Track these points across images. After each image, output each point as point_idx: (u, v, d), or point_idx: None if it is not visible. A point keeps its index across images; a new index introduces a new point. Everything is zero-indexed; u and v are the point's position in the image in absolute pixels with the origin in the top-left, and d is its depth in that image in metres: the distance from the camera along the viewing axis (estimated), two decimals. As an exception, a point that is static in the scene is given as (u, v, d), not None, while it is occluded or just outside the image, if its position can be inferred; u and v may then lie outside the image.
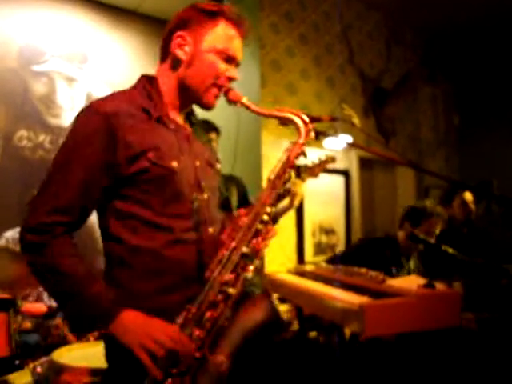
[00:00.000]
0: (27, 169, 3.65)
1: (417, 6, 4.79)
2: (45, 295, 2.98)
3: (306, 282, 2.46)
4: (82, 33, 4.03)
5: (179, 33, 1.30)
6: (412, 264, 3.06)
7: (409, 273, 3.00)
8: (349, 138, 3.34)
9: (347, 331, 2.51)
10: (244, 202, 2.95)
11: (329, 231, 4.40)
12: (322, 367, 2.54)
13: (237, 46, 1.34)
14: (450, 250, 2.73)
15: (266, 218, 1.25)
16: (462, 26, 5.24)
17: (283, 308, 2.78)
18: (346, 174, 4.54)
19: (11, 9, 3.69)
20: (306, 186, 2.70)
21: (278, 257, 3.90)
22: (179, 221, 1.25)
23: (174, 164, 1.25)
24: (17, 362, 2.20)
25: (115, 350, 1.22)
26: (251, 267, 1.22)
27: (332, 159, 2.78)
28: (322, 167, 2.75)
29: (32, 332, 2.65)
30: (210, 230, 1.31)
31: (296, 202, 2.61)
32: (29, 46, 3.76)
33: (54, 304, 2.96)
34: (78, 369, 1.87)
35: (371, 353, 2.36)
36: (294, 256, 4.07)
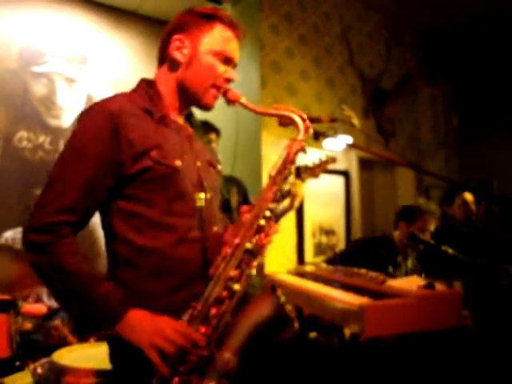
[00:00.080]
0: (27, 170, 3.65)
1: (416, 6, 4.80)
2: (44, 296, 2.98)
3: (306, 282, 2.47)
4: (82, 34, 4.04)
5: (177, 36, 1.32)
6: (410, 263, 3.07)
7: (406, 272, 3.02)
8: (349, 139, 3.35)
9: (347, 332, 2.51)
10: (244, 203, 2.95)
11: (329, 232, 4.40)
12: (322, 368, 2.54)
13: (234, 48, 1.36)
14: (450, 251, 2.73)
15: (268, 214, 1.26)
16: (462, 27, 5.25)
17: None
18: (345, 174, 4.54)
19: (11, 10, 3.69)
20: (306, 186, 2.70)
21: (278, 257, 3.90)
22: (183, 220, 1.26)
23: (178, 163, 1.26)
24: (17, 363, 2.20)
25: (120, 351, 1.23)
26: (255, 263, 1.23)
27: (332, 160, 2.79)
28: (323, 168, 2.75)
29: (32, 333, 2.65)
30: (214, 228, 1.33)
31: (296, 203, 2.61)
32: (29, 46, 3.76)
33: (53, 305, 2.96)
34: (81, 370, 1.86)
35: (371, 353, 2.36)
36: (294, 257, 4.08)
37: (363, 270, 2.36)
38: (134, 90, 1.36)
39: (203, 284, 1.22)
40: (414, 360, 2.31)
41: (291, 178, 2.75)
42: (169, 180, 1.24)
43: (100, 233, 1.33)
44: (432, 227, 3.01)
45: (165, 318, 1.16)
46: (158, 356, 1.11)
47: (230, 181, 2.91)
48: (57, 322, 2.61)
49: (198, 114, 1.52)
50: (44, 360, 2.12)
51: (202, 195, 1.31)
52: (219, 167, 1.49)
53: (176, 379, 1.13)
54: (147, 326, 1.15)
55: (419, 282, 2.08)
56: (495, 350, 2.48)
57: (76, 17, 4.01)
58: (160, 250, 1.23)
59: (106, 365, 1.87)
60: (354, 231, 4.58)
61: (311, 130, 1.35)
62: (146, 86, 1.36)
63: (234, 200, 2.96)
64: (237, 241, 1.24)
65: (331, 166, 2.83)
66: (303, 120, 1.33)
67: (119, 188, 1.23)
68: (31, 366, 2.12)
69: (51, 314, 2.84)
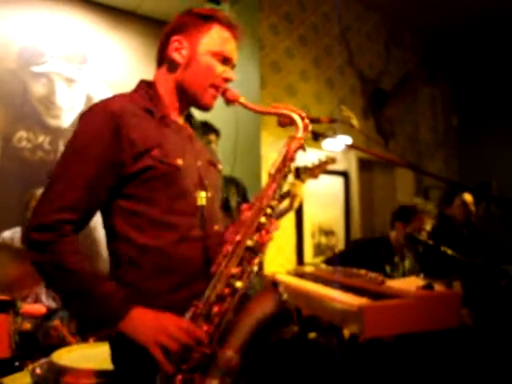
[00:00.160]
0: (27, 170, 3.65)
1: (416, 7, 4.80)
2: (43, 296, 2.98)
3: (305, 283, 2.47)
4: (82, 34, 4.04)
5: (176, 37, 1.33)
6: (407, 264, 3.08)
7: (404, 272, 3.03)
8: (348, 140, 3.36)
9: (346, 332, 2.51)
10: (244, 203, 2.95)
11: (328, 232, 4.40)
12: (322, 368, 2.54)
13: (232, 48, 1.38)
14: (450, 251, 2.73)
15: (269, 211, 1.27)
16: (461, 28, 5.25)
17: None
18: (345, 175, 4.54)
19: (10, 10, 3.69)
20: (305, 187, 2.70)
21: (278, 258, 3.90)
22: (185, 218, 1.27)
23: (179, 161, 1.27)
24: (16, 363, 2.20)
25: (122, 351, 1.23)
26: (256, 260, 1.23)
27: (332, 160, 2.79)
28: (322, 168, 2.75)
29: (31, 333, 2.65)
30: (216, 227, 1.34)
31: (296, 204, 2.61)
32: (28, 47, 3.76)
33: (52, 305, 2.96)
34: (80, 370, 1.86)
35: (370, 354, 2.36)
36: (293, 257, 4.07)
37: (362, 271, 2.36)
38: (134, 91, 1.37)
39: (205, 283, 1.22)
40: (414, 360, 2.31)
41: (291, 179, 2.76)
42: (170, 179, 1.25)
43: (100, 233, 1.34)
44: (428, 227, 3.03)
45: (168, 316, 1.16)
46: (161, 353, 1.12)
47: (230, 181, 2.91)
48: (56, 323, 2.61)
49: (198, 114, 1.52)
50: (43, 360, 2.11)
51: (203, 194, 1.32)
52: (220, 166, 1.50)
53: (179, 377, 1.13)
54: (150, 324, 1.15)
55: (418, 283, 2.09)
56: (495, 350, 2.48)
57: (75, 17, 4.00)
58: (162, 248, 1.24)
59: (105, 365, 1.87)
60: (354, 232, 4.58)
61: (310, 128, 1.35)
62: (146, 86, 1.37)
63: (234, 200, 2.96)
64: (238, 238, 1.24)
65: (330, 167, 2.83)
66: (302, 118, 1.33)
67: (120, 187, 1.24)
68: (30, 367, 2.11)
69: (50, 314, 2.84)
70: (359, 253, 3.00)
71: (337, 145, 3.59)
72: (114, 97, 1.31)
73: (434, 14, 4.91)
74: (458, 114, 5.92)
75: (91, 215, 1.25)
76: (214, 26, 1.34)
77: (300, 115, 1.34)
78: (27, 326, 2.65)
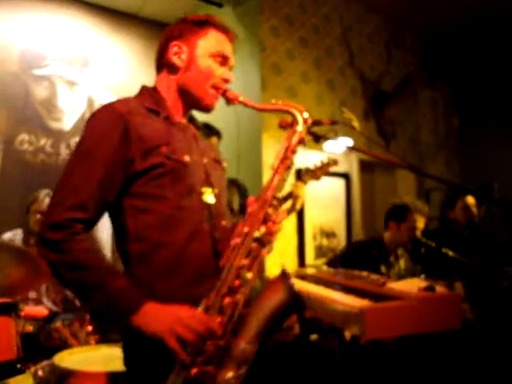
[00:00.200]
0: (28, 172, 3.66)
1: (417, 9, 4.80)
2: (44, 299, 2.98)
3: (306, 285, 2.46)
4: (83, 37, 4.05)
5: (175, 42, 1.38)
6: (402, 264, 3.09)
7: (399, 272, 3.03)
8: (349, 141, 3.35)
9: (348, 334, 2.51)
10: (245, 205, 2.95)
11: (329, 234, 4.40)
12: (323, 370, 2.54)
13: (229, 49, 1.42)
14: (451, 253, 2.73)
15: (275, 202, 1.30)
16: (462, 30, 5.25)
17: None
18: (346, 177, 4.54)
19: (12, 13, 3.70)
20: (306, 189, 2.71)
21: (279, 260, 3.90)
22: (193, 214, 1.30)
23: (187, 158, 1.31)
24: (18, 365, 2.20)
25: (135, 353, 1.25)
26: (265, 251, 1.25)
27: (334, 162, 2.79)
28: (324, 170, 2.76)
29: (33, 335, 2.65)
30: (223, 222, 1.37)
31: (298, 205, 2.62)
32: (30, 49, 3.77)
33: (53, 307, 2.96)
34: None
35: (372, 356, 2.36)
36: (294, 259, 4.07)
37: (364, 273, 2.36)
38: (138, 95, 1.41)
39: (215, 277, 1.24)
40: (415, 362, 2.31)
41: (293, 180, 2.76)
42: (178, 175, 1.28)
43: (102, 233, 1.35)
44: (421, 225, 3.03)
45: (182, 307, 1.18)
46: (178, 343, 1.12)
47: (231, 183, 2.91)
48: (58, 325, 2.61)
49: (199, 116, 1.54)
50: (45, 362, 2.12)
51: (210, 190, 1.36)
52: (224, 164, 1.54)
53: (194, 369, 1.14)
54: (165, 315, 1.16)
55: (420, 285, 2.08)
56: (497, 352, 2.47)
57: (77, 20, 4.02)
58: (172, 244, 1.26)
59: (107, 367, 1.88)
60: (355, 234, 4.58)
61: (310, 122, 1.38)
62: (149, 90, 1.42)
63: (236, 202, 2.97)
64: (246, 230, 1.26)
65: (332, 169, 2.83)
66: (300, 112, 1.36)
67: (129, 186, 1.26)
68: (32, 369, 2.11)
69: (52, 316, 2.84)
70: (353, 255, 3.01)
71: (338, 146, 3.59)
72: (120, 99, 1.35)
73: (435, 16, 4.92)
74: (459, 115, 5.91)
75: (101, 214, 1.28)
76: (210, 31, 1.39)
77: (298, 109, 1.36)
78: (29, 328, 2.65)
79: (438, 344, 2.26)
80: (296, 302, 1.22)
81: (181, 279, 1.26)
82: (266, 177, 1.31)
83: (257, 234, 1.25)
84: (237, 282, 1.21)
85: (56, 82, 3.85)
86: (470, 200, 3.47)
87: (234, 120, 3.63)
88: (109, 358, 2.07)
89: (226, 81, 1.40)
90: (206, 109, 1.42)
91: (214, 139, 2.81)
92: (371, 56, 4.99)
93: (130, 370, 1.29)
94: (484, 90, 5.62)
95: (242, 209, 2.97)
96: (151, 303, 1.18)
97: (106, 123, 1.26)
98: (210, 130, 2.76)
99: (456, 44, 5.61)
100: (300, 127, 1.35)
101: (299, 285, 2.53)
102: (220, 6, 4.15)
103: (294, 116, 1.36)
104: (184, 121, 1.44)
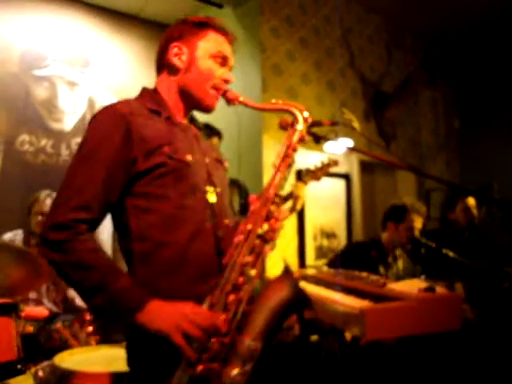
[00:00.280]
0: (29, 173, 3.66)
1: (417, 9, 4.80)
2: (45, 299, 2.98)
3: (307, 285, 2.47)
4: (84, 37, 4.05)
5: (175, 43, 1.40)
6: (401, 264, 3.09)
7: (398, 273, 3.04)
8: (349, 142, 3.36)
9: (348, 335, 2.51)
10: (246, 205, 2.96)
11: (330, 235, 4.40)
12: (323, 371, 2.54)
13: (228, 50, 1.43)
14: (451, 254, 2.73)
15: (277, 199, 1.31)
16: (462, 30, 5.25)
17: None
18: (346, 177, 4.54)
19: (13, 13, 3.71)
20: (307, 189, 2.71)
21: (279, 261, 3.90)
22: (196, 213, 1.31)
23: (189, 157, 1.32)
24: (19, 366, 2.20)
25: (139, 352, 1.25)
26: (268, 249, 1.26)
27: (334, 163, 2.80)
28: (325, 171, 2.76)
29: (34, 336, 2.65)
30: (226, 221, 1.39)
31: (298, 206, 2.62)
32: (30, 50, 3.77)
33: (54, 308, 2.96)
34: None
35: (372, 357, 2.36)
36: (295, 260, 4.07)
37: (364, 273, 2.36)
38: (139, 97, 1.43)
39: (219, 275, 1.24)
40: (415, 363, 2.31)
41: (293, 181, 2.77)
42: (180, 174, 1.29)
43: (103, 234, 1.35)
44: (419, 225, 3.04)
45: (187, 304, 1.19)
46: (183, 339, 1.13)
47: (232, 183, 2.91)
48: (58, 325, 2.61)
49: (199, 117, 1.55)
50: (45, 363, 2.12)
51: (212, 189, 1.37)
52: (226, 164, 1.55)
53: (200, 367, 1.14)
54: (170, 312, 1.17)
55: (420, 285, 2.08)
56: (497, 352, 2.47)
57: (77, 20, 4.02)
58: (175, 244, 1.27)
59: (107, 368, 1.88)
60: (356, 234, 4.58)
61: (310, 120, 1.39)
62: (149, 92, 1.43)
63: (236, 202, 2.97)
64: (249, 227, 1.27)
65: (332, 169, 2.83)
66: (300, 111, 1.37)
67: (132, 186, 1.27)
68: (33, 369, 2.12)
69: (52, 317, 2.85)
70: (351, 256, 3.01)
71: (338, 147, 3.59)
72: (121, 101, 1.36)
73: (435, 17, 4.92)
74: (459, 115, 5.91)
75: (105, 214, 1.28)
76: (209, 32, 1.41)
77: (299, 108, 1.37)
78: (29, 328, 2.65)
79: (439, 345, 2.26)
80: (300, 298, 1.22)
81: (183, 278, 1.26)
82: (267, 177, 1.32)
83: (260, 230, 1.26)
84: (241, 279, 1.21)
85: (56, 82, 3.86)
86: (471, 201, 3.47)
87: (234, 120, 3.64)
88: (109, 358, 2.07)
89: (226, 81, 1.41)
90: (207, 109, 1.43)
91: (214, 140, 2.81)
92: (371, 57, 5.00)
93: (133, 369, 1.29)
94: (484, 90, 5.62)
95: (243, 209, 2.97)
96: (155, 301, 1.18)
97: (108, 124, 1.27)
98: (210, 131, 2.77)
99: (456, 44, 5.62)
100: (300, 126, 1.36)
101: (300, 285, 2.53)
102: (220, 6, 4.15)
103: (294, 115, 1.37)
104: (185, 121, 1.45)
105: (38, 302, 2.96)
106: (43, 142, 3.76)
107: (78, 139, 3.88)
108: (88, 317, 2.59)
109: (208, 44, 1.40)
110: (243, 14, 4.12)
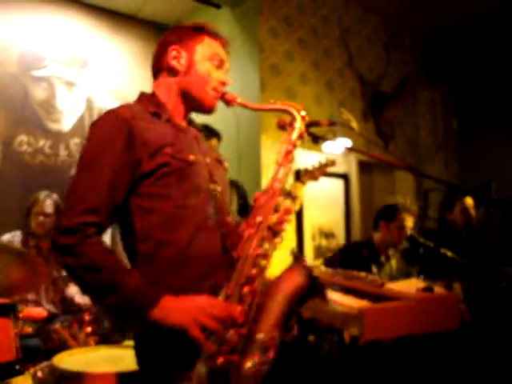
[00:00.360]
0: (28, 173, 3.66)
1: (415, 10, 4.81)
2: (43, 300, 2.98)
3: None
4: (82, 38, 4.05)
5: (173, 47, 1.43)
6: (394, 263, 3.10)
7: (391, 272, 3.05)
8: (348, 142, 3.36)
9: (347, 335, 2.51)
10: (245, 206, 2.96)
11: (328, 235, 4.40)
12: (322, 371, 2.55)
13: (223, 53, 1.47)
14: (449, 253, 2.74)
15: (283, 192, 1.35)
16: (461, 30, 5.26)
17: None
18: (345, 177, 4.55)
19: (11, 14, 3.71)
20: (305, 189, 2.71)
21: (278, 261, 3.90)
22: (198, 212, 1.32)
23: (191, 157, 1.34)
24: (17, 366, 2.20)
25: (148, 351, 1.26)
26: (277, 240, 1.30)
27: (332, 163, 2.80)
28: (322, 170, 2.76)
29: (32, 337, 2.65)
30: (228, 218, 1.41)
31: (296, 206, 2.62)
32: (29, 51, 3.77)
33: (52, 309, 2.96)
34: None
35: (370, 356, 2.37)
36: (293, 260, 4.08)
37: (362, 273, 2.37)
38: (137, 101, 1.45)
39: (224, 274, 1.26)
40: (414, 363, 2.31)
41: (291, 181, 2.77)
42: (183, 174, 1.31)
43: (105, 237, 1.35)
44: (410, 223, 3.05)
45: (201, 297, 1.20)
46: (202, 333, 1.13)
47: (230, 184, 2.91)
48: (57, 326, 2.61)
49: (199, 118, 1.57)
50: (44, 364, 2.12)
51: (215, 188, 1.39)
52: (226, 164, 1.59)
53: (220, 359, 1.14)
54: (186, 305, 1.18)
55: (418, 285, 2.09)
56: (495, 351, 2.48)
57: (76, 21, 4.02)
58: (175, 243, 1.28)
59: (106, 368, 1.88)
60: (354, 234, 4.59)
61: (308, 119, 1.43)
62: (147, 96, 1.46)
63: (235, 203, 2.97)
64: (259, 219, 1.29)
65: (331, 169, 2.84)
66: (298, 110, 1.42)
67: (137, 187, 1.29)
68: (31, 370, 2.12)
69: (51, 317, 2.85)
70: (344, 256, 3.02)
71: (337, 147, 3.59)
72: (123, 105, 1.39)
73: (433, 17, 4.92)
74: (457, 116, 5.92)
75: (112, 217, 1.29)
76: (204, 37, 1.45)
77: (296, 108, 1.42)
78: (28, 329, 2.66)
79: (437, 344, 2.27)
80: (314, 283, 1.24)
81: (187, 276, 1.27)
82: (266, 176, 1.33)
83: (270, 222, 1.29)
84: (254, 271, 1.23)
85: (55, 83, 3.86)
86: (469, 202, 3.47)
87: (233, 121, 3.64)
88: (108, 358, 2.07)
89: (224, 84, 1.45)
90: (208, 111, 1.46)
91: (213, 141, 2.81)
92: (370, 57, 5.00)
93: (143, 368, 1.30)
94: (482, 91, 5.63)
95: (242, 209, 2.97)
96: (168, 296, 1.19)
97: (111, 129, 1.28)
98: (209, 132, 2.77)
99: (454, 45, 5.62)
100: (299, 123, 1.40)
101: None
102: (218, 7, 4.16)
103: (291, 114, 1.41)
104: (184, 123, 1.47)
105: (37, 303, 2.96)
106: (41, 142, 3.76)
107: (77, 140, 3.88)
108: (87, 317, 2.60)
109: (204, 48, 1.43)
110: (241, 14, 4.12)
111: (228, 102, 1.44)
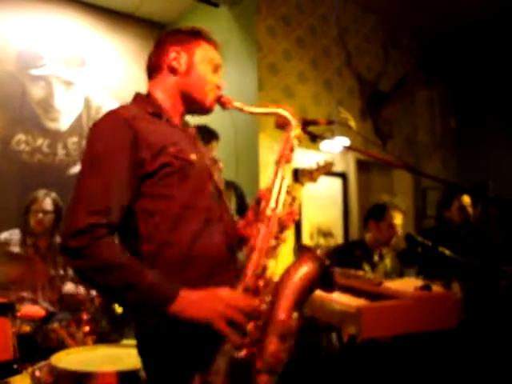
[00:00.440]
0: (26, 172, 3.66)
1: (413, 9, 4.81)
2: (41, 299, 2.98)
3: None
4: (80, 37, 4.05)
5: (173, 48, 1.44)
6: (388, 263, 3.11)
7: (386, 272, 3.06)
8: (346, 141, 3.36)
9: (345, 333, 2.52)
10: (242, 206, 2.96)
11: (327, 234, 4.40)
12: (320, 369, 2.55)
13: (219, 59, 1.50)
14: (448, 252, 2.74)
15: (288, 188, 1.41)
16: (459, 30, 5.26)
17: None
18: (343, 176, 4.55)
19: (9, 13, 3.70)
20: (303, 190, 2.71)
21: (276, 260, 3.90)
22: (201, 212, 1.33)
23: (193, 157, 1.35)
24: (15, 366, 2.20)
25: (156, 351, 1.26)
26: (286, 232, 1.35)
27: (331, 165, 2.80)
28: (321, 172, 2.76)
29: (30, 336, 2.65)
30: (230, 218, 1.44)
31: (295, 207, 2.62)
32: (27, 50, 3.77)
33: (50, 308, 2.96)
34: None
35: (368, 355, 2.37)
36: (291, 259, 4.08)
37: (360, 272, 2.37)
38: (133, 102, 1.45)
39: (229, 271, 1.30)
40: (411, 361, 2.31)
41: (290, 182, 2.77)
42: (185, 173, 1.32)
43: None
44: (399, 221, 3.07)
45: (221, 289, 1.21)
46: (226, 325, 1.14)
47: (228, 185, 2.91)
48: (55, 325, 2.61)
49: (198, 119, 1.58)
50: (42, 363, 2.12)
51: (215, 187, 1.42)
52: (220, 165, 1.66)
53: (244, 351, 1.16)
54: (207, 298, 1.18)
55: (416, 284, 2.09)
56: (493, 350, 2.48)
57: (74, 20, 4.02)
58: (179, 242, 1.28)
59: (104, 367, 1.88)
60: (352, 233, 4.59)
61: (302, 119, 1.49)
62: (143, 97, 1.46)
63: (233, 204, 2.97)
64: (269, 213, 1.33)
65: (329, 169, 2.84)
66: (290, 111, 1.46)
67: (142, 188, 1.29)
68: (29, 369, 2.12)
69: (49, 316, 2.84)
70: (337, 255, 3.03)
71: (335, 146, 3.59)
72: (121, 106, 1.39)
73: (432, 16, 4.93)
74: (455, 115, 5.93)
75: (121, 217, 1.28)
76: (201, 42, 1.47)
77: (287, 109, 1.47)
78: (26, 328, 2.65)
79: (434, 343, 2.27)
80: (325, 268, 1.27)
81: (192, 275, 1.27)
82: (264, 176, 1.35)
83: (280, 215, 1.34)
84: (267, 263, 1.27)
85: (53, 81, 3.85)
86: (466, 200, 3.48)
87: (230, 121, 3.63)
88: (106, 358, 2.07)
89: (219, 87, 1.47)
90: (208, 111, 1.48)
91: (214, 143, 2.81)
92: (368, 56, 5.00)
93: (150, 367, 1.30)
94: (481, 90, 5.64)
95: (240, 210, 2.97)
96: (187, 290, 1.19)
97: (113, 129, 1.28)
98: (210, 134, 2.77)
99: (453, 43, 5.63)
100: (293, 122, 1.46)
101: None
102: (216, 6, 4.15)
103: (285, 116, 1.46)
104: (181, 123, 1.48)
105: (34, 302, 2.96)
106: (39, 141, 3.76)
107: (75, 139, 3.88)
108: (85, 316, 2.59)
109: (202, 51, 1.45)
110: (239, 14, 4.12)
111: (224, 105, 1.47)
